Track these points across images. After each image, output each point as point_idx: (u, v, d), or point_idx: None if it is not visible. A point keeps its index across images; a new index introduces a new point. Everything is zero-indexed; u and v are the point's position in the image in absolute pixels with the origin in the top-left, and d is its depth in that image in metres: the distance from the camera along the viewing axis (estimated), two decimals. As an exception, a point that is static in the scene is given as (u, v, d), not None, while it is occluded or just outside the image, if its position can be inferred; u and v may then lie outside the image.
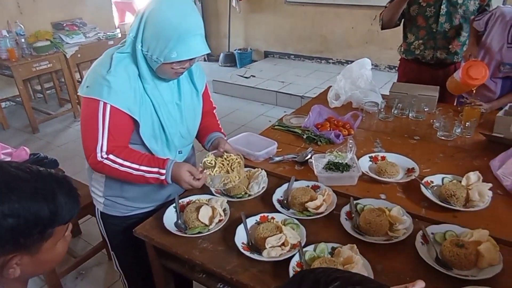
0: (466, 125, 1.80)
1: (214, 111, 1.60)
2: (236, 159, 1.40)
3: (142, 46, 1.21)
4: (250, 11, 5.75)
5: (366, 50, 4.96)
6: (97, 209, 1.46)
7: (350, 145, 1.56)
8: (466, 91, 2.06)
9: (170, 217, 1.33)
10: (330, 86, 2.30)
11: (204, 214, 1.28)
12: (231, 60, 6.01)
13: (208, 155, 1.42)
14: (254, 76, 5.02)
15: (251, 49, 5.93)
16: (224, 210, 1.33)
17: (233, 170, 1.37)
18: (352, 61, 5.16)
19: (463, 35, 2.24)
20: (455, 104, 2.33)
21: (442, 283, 1.04)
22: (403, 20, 2.34)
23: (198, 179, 1.29)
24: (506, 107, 1.90)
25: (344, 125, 1.89)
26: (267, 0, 5.51)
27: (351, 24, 4.94)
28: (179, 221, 1.31)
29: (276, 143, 1.71)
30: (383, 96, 2.20)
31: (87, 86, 1.23)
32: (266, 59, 5.86)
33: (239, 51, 5.85)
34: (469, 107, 1.90)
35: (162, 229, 1.28)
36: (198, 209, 1.29)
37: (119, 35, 4.47)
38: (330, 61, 5.35)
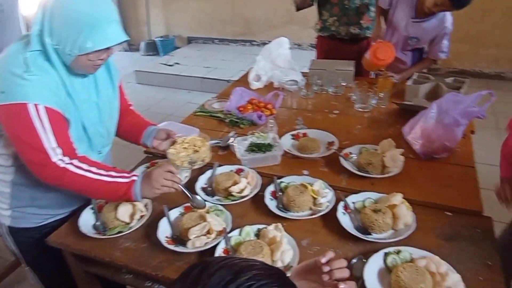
0: (380, 96, 1.89)
1: (132, 107, 1.50)
2: (196, 138, 1.35)
3: (51, 40, 1.05)
4: (173, -4, 5.53)
5: (289, 30, 5.01)
6: (3, 224, 1.31)
7: (271, 125, 1.56)
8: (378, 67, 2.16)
9: (87, 219, 1.23)
10: (251, 68, 2.29)
11: (124, 212, 1.21)
12: (153, 48, 5.76)
13: (169, 147, 1.32)
14: (178, 64, 4.87)
15: (173, 36, 5.74)
16: (146, 206, 1.26)
17: (198, 152, 1.30)
18: (275, 42, 5.17)
19: (372, 10, 2.32)
20: (370, 76, 2.44)
21: (363, 248, 1.08)
22: None
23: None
24: (415, 76, 2.01)
25: (266, 105, 1.88)
26: (185, -16, 5.33)
27: (271, 5, 4.96)
28: (97, 223, 1.22)
29: (197, 129, 1.65)
30: (304, 74, 2.23)
31: (1, 92, 1.04)
32: (190, 45, 5.71)
33: (160, 39, 5.63)
34: (382, 78, 1.99)
35: (78, 234, 1.18)
36: (117, 207, 1.21)
37: None
38: (254, 43, 5.34)
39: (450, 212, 1.20)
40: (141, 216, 1.22)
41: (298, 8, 2.39)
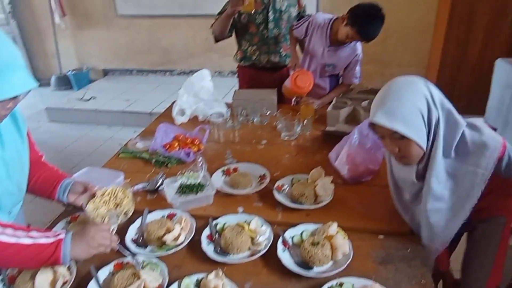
0: (304, 123, 1.94)
1: (43, 159, 1.35)
2: (116, 189, 1.25)
3: None
4: (79, 27, 5.26)
5: (208, 58, 5.04)
6: None
7: (201, 163, 1.52)
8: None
9: (-5, 296, 1.06)
10: (174, 101, 2.23)
11: (43, 281, 1.06)
12: (65, 82, 5.40)
13: (88, 203, 1.21)
14: (94, 98, 4.61)
15: (87, 68, 5.44)
16: (69, 268, 1.13)
17: (121, 205, 1.20)
18: (196, 71, 5.17)
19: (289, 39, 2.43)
20: (292, 103, 2.51)
21: (307, 284, 1.07)
22: (234, 29, 2.41)
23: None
24: (334, 102, 2.12)
25: (193, 141, 1.83)
26: (96, 14, 5.12)
27: (190, 34, 4.95)
28: (9, 299, 1.06)
29: (122, 174, 1.55)
30: (228, 105, 2.23)
31: None
32: (106, 78, 5.46)
33: (73, 72, 5.30)
34: (303, 105, 2.06)
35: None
36: (34, 276, 1.06)
37: None
38: (174, 72, 5.27)
39: (382, 235, 1.25)
40: (64, 283, 1.09)
41: (217, 40, 2.41)
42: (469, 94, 4.01)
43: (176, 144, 1.82)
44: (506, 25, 3.68)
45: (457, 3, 3.67)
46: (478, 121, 1.18)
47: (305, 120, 1.94)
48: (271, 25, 2.32)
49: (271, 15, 2.30)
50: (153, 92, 4.72)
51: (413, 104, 1.06)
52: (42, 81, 5.60)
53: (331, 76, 2.34)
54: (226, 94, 4.30)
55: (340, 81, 2.39)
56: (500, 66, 3.16)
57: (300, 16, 2.42)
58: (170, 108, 2.25)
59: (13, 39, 5.38)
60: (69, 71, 5.35)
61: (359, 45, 2.21)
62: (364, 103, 2.04)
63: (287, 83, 2.17)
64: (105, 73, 5.52)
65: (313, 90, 2.21)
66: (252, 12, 2.20)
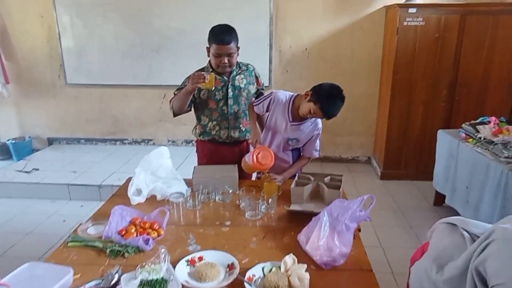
0: (269, 201, 1.89)
1: None
2: None
3: None
4: (23, 95, 5.03)
5: (161, 127, 4.98)
6: None
7: (163, 254, 1.39)
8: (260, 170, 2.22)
9: None
10: (130, 178, 2.10)
11: None
12: (4, 152, 5.03)
13: None
14: (37, 170, 4.29)
15: (30, 137, 5.13)
16: None
17: None
18: (149, 140, 5.07)
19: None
20: (252, 179, 2.48)
21: None
22: (193, 104, 2.40)
23: None
24: (296, 178, 2.10)
25: (152, 225, 1.70)
26: (43, 82, 4.94)
27: (141, 104, 4.90)
28: None
29: (71, 269, 1.37)
30: (187, 182, 2.13)
31: None
32: (51, 147, 5.16)
33: (13, 141, 4.97)
34: (267, 183, 2.02)
35: None
36: None
37: None
38: (126, 141, 5.11)
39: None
40: None
41: (176, 115, 2.37)
42: (416, 161, 4.23)
43: (133, 229, 1.67)
44: (441, 99, 4.03)
45: (396, 80, 3.99)
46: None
47: (270, 199, 1.89)
48: (230, 101, 2.34)
49: (230, 92, 2.33)
50: (102, 163, 4.50)
51: None
52: (-23, 151, 5.20)
53: (293, 149, 2.36)
54: (180, 164, 4.21)
55: (302, 154, 2.41)
56: (442, 136, 3.39)
57: (259, 93, 2.47)
58: (125, 187, 2.10)
59: None
60: (9, 140, 5.02)
61: (319, 120, 2.28)
62: (327, 179, 2.05)
63: (248, 159, 2.14)
64: (50, 142, 5.23)
65: (276, 164, 2.20)
66: (212, 88, 2.21)
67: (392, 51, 3.97)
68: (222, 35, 2.18)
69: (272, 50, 4.53)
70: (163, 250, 1.39)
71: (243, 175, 2.32)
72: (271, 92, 2.29)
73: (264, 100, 2.29)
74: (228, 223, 1.81)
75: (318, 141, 2.32)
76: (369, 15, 4.33)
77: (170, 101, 2.35)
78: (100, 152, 4.86)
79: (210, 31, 2.23)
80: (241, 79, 2.36)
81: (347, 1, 4.31)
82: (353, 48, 4.46)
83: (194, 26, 4.46)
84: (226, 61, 2.21)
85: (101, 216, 1.85)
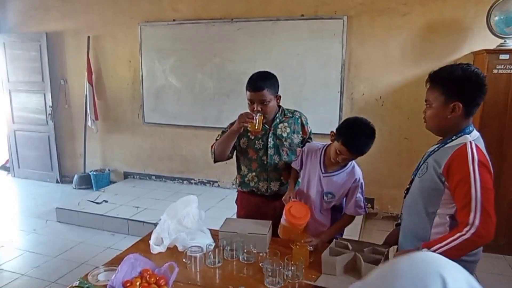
0: (294, 268, 1.64)
1: None
2: None
3: None
4: (108, 131, 5.48)
5: (227, 169, 4.94)
6: None
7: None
8: (297, 234, 1.97)
9: None
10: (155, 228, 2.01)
11: None
12: (86, 182, 5.47)
13: None
14: (106, 202, 4.52)
15: (109, 170, 5.51)
16: None
17: None
18: (214, 181, 5.07)
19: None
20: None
21: None
22: (235, 152, 2.29)
23: None
24: (332, 244, 1.81)
25: (159, 281, 1.56)
26: (125, 120, 5.34)
27: (209, 145, 4.95)
28: None
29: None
30: (214, 234, 1.98)
31: None
32: (126, 180, 5.47)
33: (94, 173, 5.37)
34: (296, 246, 1.77)
35: None
36: None
37: None
38: (192, 181, 5.20)
39: None
40: None
41: (216, 160, 2.28)
42: (509, 232, 3.54)
43: (139, 282, 1.55)
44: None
45: (484, 134, 3.44)
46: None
47: (294, 266, 1.63)
48: (271, 152, 2.18)
49: (271, 141, 2.18)
50: (165, 201, 4.58)
51: None
52: (66, 179, 5.73)
53: (333, 210, 2.08)
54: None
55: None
56: None
57: (305, 141, 2.28)
58: (150, 234, 2.02)
59: (48, 138, 5.67)
60: (91, 171, 5.44)
61: (357, 170, 2.00)
62: (368, 249, 1.73)
63: (282, 219, 1.94)
64: (125, 175, 5.54)
65: (312, 227, 1.96)
66: (260, 132, 2.10)
67: (479, 102, 3.47)
68: (255, 82, 2.08)
69: (343, 97, 4.30)
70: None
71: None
72: (305, 143, 2.10)
73: (299, 154, 2.11)
74: (242, 288, 1.59)
75: (360, 195, 2.00)
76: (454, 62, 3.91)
77: (212, 146, 2.27)
78: (166, 190, 4.98)
79: (249, 78, 2.14)
80: (284, 127, 2.20)
81: (429, 47, 3.95)
82: (435, 98, 4.02)
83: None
84: (259, 108, 2.08)
85: (118, 261, 1.77)
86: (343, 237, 2.08)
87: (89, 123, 5.30)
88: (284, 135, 2.19)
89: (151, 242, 1.88)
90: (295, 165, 2.13)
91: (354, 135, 1.84)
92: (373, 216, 4.43)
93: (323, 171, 2.00)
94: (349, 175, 1.99)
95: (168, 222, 1.92)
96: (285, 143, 2.20)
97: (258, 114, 2.01)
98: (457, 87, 1.49)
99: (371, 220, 4.37)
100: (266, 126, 2.18)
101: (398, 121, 4.17)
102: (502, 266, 3.39)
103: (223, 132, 2.25)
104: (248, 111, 2.10)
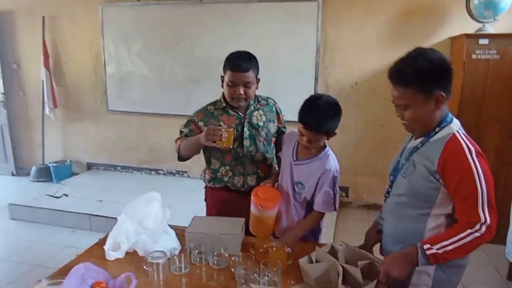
0: (270, 274, 1.45)
1: None
2: None
3: None
4: (68, 120, 5.10)
5: (197, 159, 4.68)
6: None
7: None
8: (269, 226, 1.78)
9: None
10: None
11: None
12: (45, 174, 5.07)
13: None
14: (66, 195, 4.20)
15: (70, 161, 5.15)
16: None
17: None
18: (183, 172, 4.82)
19: (268, 158, 2.05)
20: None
21: None
22: None
23: None
24: (324, 248, 1.56)
25: (113, 295, 1.34)
26: (87, 108, 4.98)
27: (178, 134, 4.69)
28: None
29: None
30: (181, 234, 1.76)
31: None
32: (89, 172, 5.13)
33: (54, 164, 4.99)
34: (272, 249, 1.58)
35: None
36: None
37: None
38: (160, 172, 4.93)
39: None
40: None
41: (182, 159, 2.04)
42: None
43: (89, 298, 1.32)
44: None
45: (461, 122, 3.38)
46: None
47: (270, 271, 1.44)
48: (246, 142, 1.97)
49: (246, 131, 1.96)
50: (132, 194, 4.24)
51: None
52: (22, 171, 5.33)
53: (309, 207, 1.86)
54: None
55: None
56: None
57: (280, 132, 2.08)
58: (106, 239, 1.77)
59: (0, 127, 5.22)
60: (51, 162, 5.05)
61: (331, 161, 1.78)
62: (361, 264, 1.42)
63: (253, 208, 1.75)
64: (89, 167, 5.20)
65: (286, 222, 1.79)
66: (230, 148, 1.83)
67: (456, 89, 3.37)
68: (239, 61, 1.85)
69: (317, 84, 4.13)
70: None
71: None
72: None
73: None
74: (211, 300, 1.40)
75: (329, 189, 1.76)
76: (431, 47, 3.79)
77: (177, 141, 2.02)
78: (133, 182, 4.70)
79: (227, 58, 1.91)
80: (260, 115, 2.00)
81: (406, 31, 3.82)
82: (411, 84, 3.92)
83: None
84: (241, 91, 1.86)
85: (66, 272, 1.52)
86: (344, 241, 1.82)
87: (47, 111, 4.90)
88: (261, 124, 1.99)
89: (106, 247, 1.65)
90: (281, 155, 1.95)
91: (309, 111, 1.67)
92: (348, 205, 4.33)
93: (294, 159, 1.82)
94: (321, 165, 1.77)
95: (126, 223, 1.68)
96: (261, 132, 1.99)
97: (228, 128, 1.74)
98: (433, 79, 1.33)
99: (346, 209, 4.27)
100: (241, 114, 1.97)
101: (374, 108, 4.05)
102: (478, 255, 3.35)
103: (187, 123, 2.02)
104: (214, 127, 1.75)
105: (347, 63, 4.06)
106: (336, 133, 1.73)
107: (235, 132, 1.90)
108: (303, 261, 1.49)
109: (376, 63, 3.96)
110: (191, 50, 4.40)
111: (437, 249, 1.29)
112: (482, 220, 1.28)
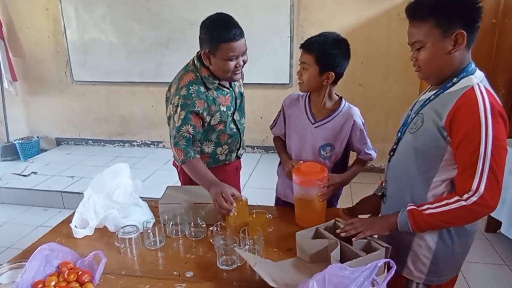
0: (251, 243, 1.36)
1: None
2: None
3: None
4: (31, 93, 4.78)
5: (172, 128, 4.56)
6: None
7: None
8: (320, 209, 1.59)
9: None
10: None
11: None
12: (11, 152, 4.79)
13: None
14: (35, 173, 3.99)
15: (37, 137, 4.87)
16: None
17: None
18: (159, 142, 4.64)
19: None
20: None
21: None
22: None
23: None
24: (328, 224, 1.41)
25: (81, 277, 1.22)
26: (50, 79, 4.67)
27: (150, 103, 4.49)
28: None
29: None
30: (154, 206, 1.64)
31: None
32: (59, 148, 4.89)
33: (20, 141, 4.72)
34: (252, 216, 1.48)
35: None
36: None
37: None
38: (134, 143, 4.74)
39: None
40: None
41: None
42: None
43: (54, 281, 1.20)
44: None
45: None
46: None
47: (251, 240, 1.35)
48: (236, 116, 1.84)
49: (238, 106, 1.85)
50: (105, 168, 4.11)
51: None
52: (-13, 151, 5.02)
53: (337, 166, 1.71)
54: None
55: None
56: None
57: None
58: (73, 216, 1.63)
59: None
60: (16, 139, 4.77)
61: (354, 108, 1.66)
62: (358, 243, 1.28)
63: (294, 191, 1.58)
64: (59, 142, 4.95)
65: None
66: (225, 108, 1.73)
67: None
68: (233, 29, 1.57)
69: (293, 43, 3.96)
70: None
71: None
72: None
73: (277, 115, 1.79)
74: (189, 274, 1.30)
75: (365, 136, 1.67)
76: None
77: (176, 145, 1.72)
78: (106, 155, 4.50)
79: (210, 28, 1.61)
80: (240, 83, 1.88)
81: (382, -16, 3.67)
82: (389, 40, 3.79)
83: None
84: (241, 62, 1.65)
85: (29, 255, 1.39)
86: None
87: (5, 84, 4.57)
88: (242, 91, 1.87)
89: (72, 225, 1.51)
90: (277, 131, 1.80)
91: (312, 37, 1.57)
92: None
93: (312, 121, 1.65)
94: (346, 116, 1.63)
95: (93, 198, 1.55)
96: (243, 99, 1.89)
97: (234, 207, 1.48)
98: (454, 12, 1.12)
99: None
100: (230, 89, 1.80)
101: (352, 66, 3.83)
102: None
103: (186, 116, 1.66)
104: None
105: (323, 20, 3.89)
106: (334, 77, 1.56)
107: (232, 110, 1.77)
108: (299, 234, 1.37)
109: (353, 20, 3.81)
110: (158, 12, 4.12)
111: (417, 207, 1.18)
112: (473, 189, 1.09)
